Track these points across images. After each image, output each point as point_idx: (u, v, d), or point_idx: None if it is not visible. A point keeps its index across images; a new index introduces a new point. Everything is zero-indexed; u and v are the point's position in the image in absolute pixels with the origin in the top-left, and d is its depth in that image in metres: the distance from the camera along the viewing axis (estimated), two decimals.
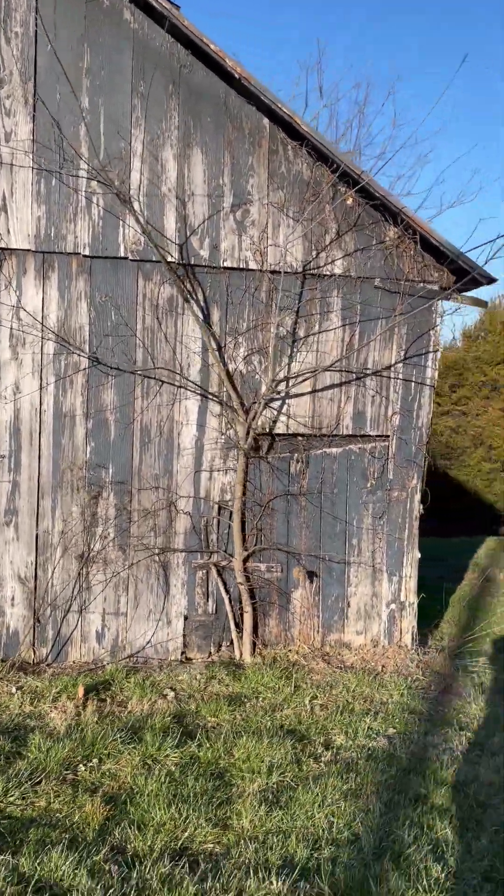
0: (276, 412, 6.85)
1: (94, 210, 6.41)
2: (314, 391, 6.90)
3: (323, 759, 4.96)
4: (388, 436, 7.06)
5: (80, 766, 4.68)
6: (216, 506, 6.81)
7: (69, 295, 6.44)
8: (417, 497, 7.15)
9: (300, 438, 6.95)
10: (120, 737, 5.03)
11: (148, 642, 6.77)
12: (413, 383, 7.06)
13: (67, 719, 5.37)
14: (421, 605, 7.72)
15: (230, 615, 6.84)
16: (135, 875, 3.49)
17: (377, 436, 7.06)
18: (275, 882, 3.45)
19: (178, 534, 6.77)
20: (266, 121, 6.60)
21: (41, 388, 6.43)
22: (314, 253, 6.76)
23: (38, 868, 3.49)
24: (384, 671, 6.83)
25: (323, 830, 3.99)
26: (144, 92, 6.43)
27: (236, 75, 6.26)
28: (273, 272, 6.65)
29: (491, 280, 6.75)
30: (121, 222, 6.44)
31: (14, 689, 5.93)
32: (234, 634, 6.86)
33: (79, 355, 6.46)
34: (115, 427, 6.57)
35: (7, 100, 6.26)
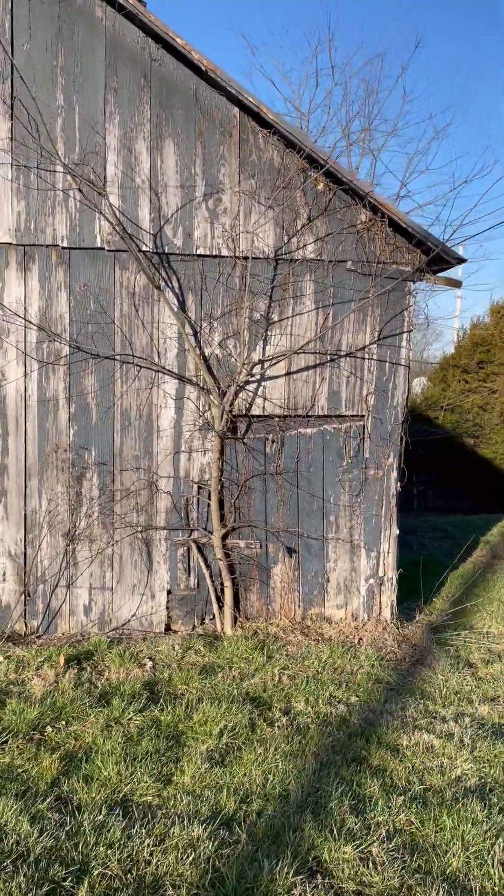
0: (252, 394, 7.08)
1: (71, 203, 6.69)
2: (289, 373, 7.10)
3: (278, 723, 5.23)
4: (364, 415, 7.24)
5: (49, 727, 5.04)
6: (195, 485, 7.10)
7: (49, 285, 6.75)
8: (394, 475, 7.33)
9: (276, 419, 7.18)
10: (89, 702, 5.39)
11: (133, 615, 7.11)
12: (388, 363, 7.21)
13: (46, 686, 5.75)
14: (419, 581, 7.90)
15: (211, 590, 7.14)
16: (71, 821, 3.82)
17: (352, 416, 7.24)
18: (196, 829, 3.75)
19: (160, 512, 7.08)
20: (236, 110, 6.77)
21: (25, 375, 6.77)
22: (286, 238, 6.94)
23: None
24: (360, 644, 7.06)
25: (257, 786, 4.28)
26: (117, 87, 6.66)
27: (203, 67, 6.44)
28: (246, 258, 6.86)
29: (460, 260, 6.84)
30: (97, 214, 6.70)
31: (1, 658, 6.33)
32: (215, 608, 7.17)
33: (60, 343, 6.78)
34: (96, 411, 6.89)
35: None
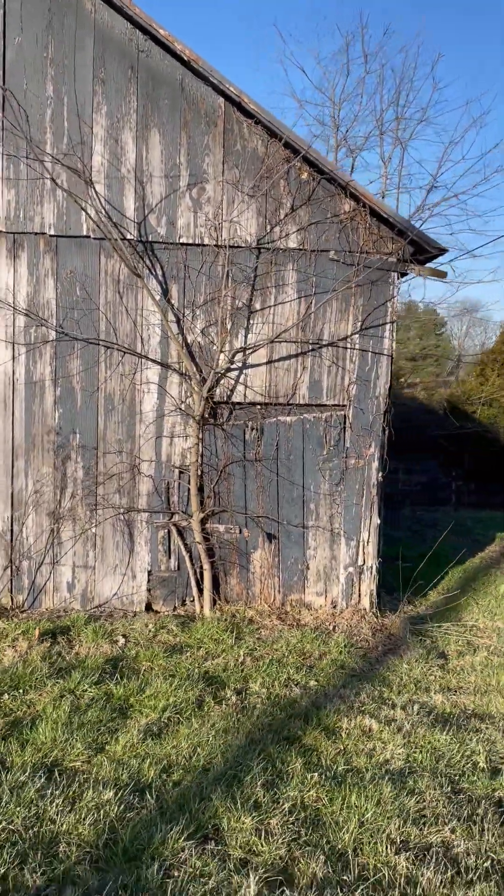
0: (233, 382, 7.19)
1: (58, 192, 6.89)
2: (270, 361, 7.19)
3: (227, 702, 5.36)
4: (345, 405, 7.27)
5: (6, 694, 5.28)
6: (176, 469, 7.25)
7: (37, 272, 6.97)
8: (375, 465, 7.34)
9: (258, 407, 7.27)
10: (50, 672, 5.61)
11: (115, 594, 7.32)
12: (370, 353, 7.22)
13: (17, 657, 6.00)
14: (423, 573, 7.88)
15: (191, 572, 7.30)
16: None
17: (333, 405, 7.28)
18: (107, 793, 3.91)
19: (142, 495, 7.26)
20: (221, 101, 6.86)
21: (13, 359, 7.02)
22: (268, 227, 7.01)
23: None
24: (335, 631, 7.13)
25: (182, 759, 4.42)
26: (105, 77, 6.82)
27: (185, 57, 6.55)
28: (228, 247, 6.95)
29: (442, 250, 6.80)
30: (84, 203, 6.88)
31: None
32: (195, 590, 7.32)
33: (47, 327, 7.00)
34: (81, 395, 7.10)
35: None
